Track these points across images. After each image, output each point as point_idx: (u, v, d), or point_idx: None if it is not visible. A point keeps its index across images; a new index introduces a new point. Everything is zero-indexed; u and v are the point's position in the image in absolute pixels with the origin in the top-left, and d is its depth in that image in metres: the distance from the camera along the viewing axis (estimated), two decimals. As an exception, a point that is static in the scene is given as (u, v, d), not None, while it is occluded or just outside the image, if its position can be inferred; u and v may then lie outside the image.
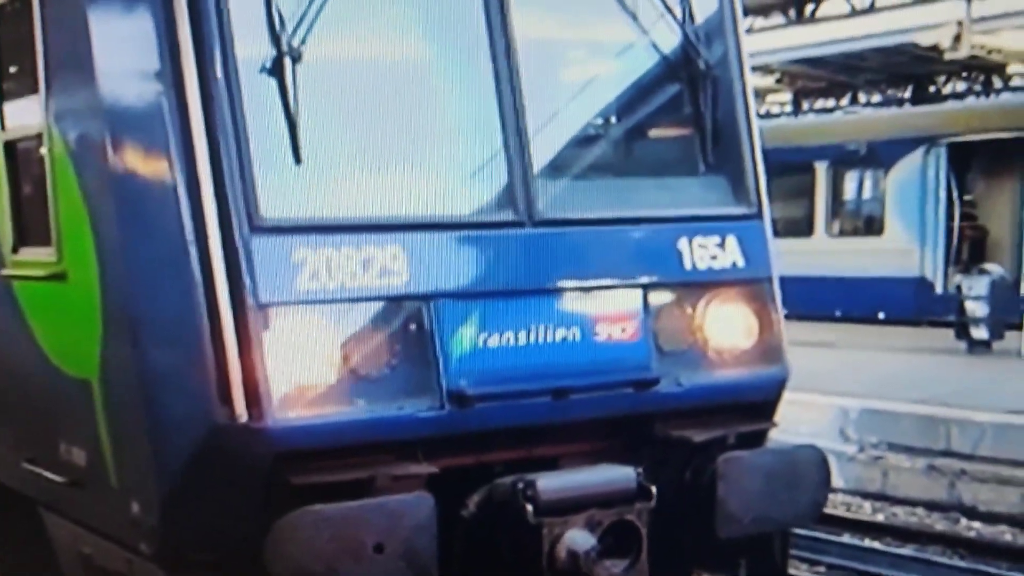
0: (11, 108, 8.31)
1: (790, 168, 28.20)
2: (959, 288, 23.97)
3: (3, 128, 8.35)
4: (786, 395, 8.42)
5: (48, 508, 8.53)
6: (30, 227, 8.11)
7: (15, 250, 8.27)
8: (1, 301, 8.55)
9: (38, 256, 7.92)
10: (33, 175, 8.03)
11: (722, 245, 8.11)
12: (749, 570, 8.38)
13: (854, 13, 34.64)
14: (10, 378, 8.74)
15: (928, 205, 27.61)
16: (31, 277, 8.11)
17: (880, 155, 28.49)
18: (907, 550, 13.76)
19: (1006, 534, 14.88)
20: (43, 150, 7.71)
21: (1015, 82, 40.53)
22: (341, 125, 7.22)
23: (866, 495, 16.71)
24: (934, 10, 30.95)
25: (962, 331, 23.60)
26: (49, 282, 7.82)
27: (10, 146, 8.29)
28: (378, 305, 6.94)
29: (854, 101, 43.81)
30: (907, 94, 42.01)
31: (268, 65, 6.84)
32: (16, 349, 8.45)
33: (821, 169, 29.48)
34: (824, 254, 28.93)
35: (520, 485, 7.01)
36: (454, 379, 7.04)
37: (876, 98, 43.86)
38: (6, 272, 8.43)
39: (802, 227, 29.57)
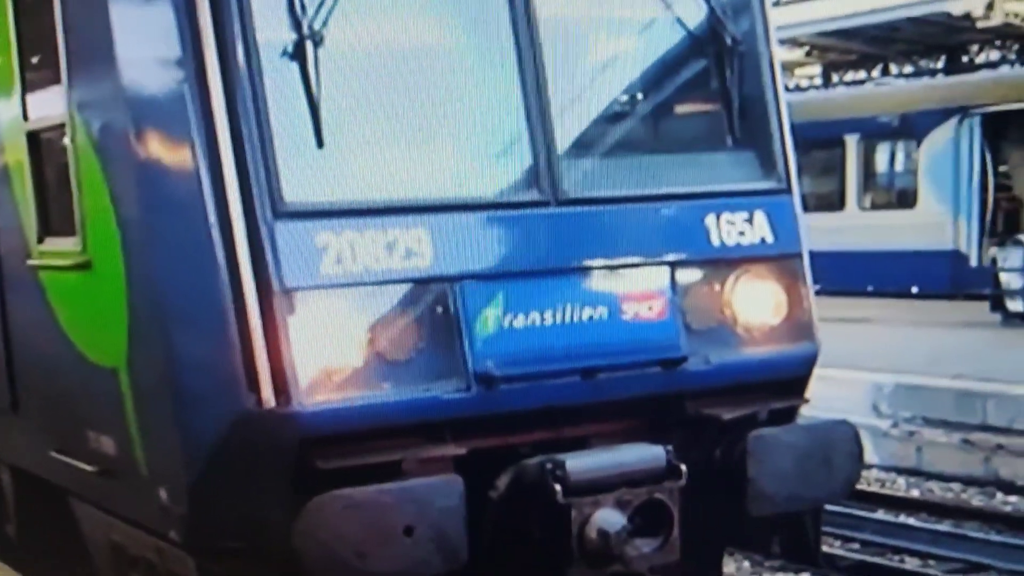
0: (34, 99, 8.32)
1: (821, 142, 28.07)
2: (994, 260, 23.79)
3: (26, 119, 8.36)
4: (818, 371, 8.36)
5: (78, 497, 8.57)
6: (55, 217, 8.14)
7: (40, 240, 8.30)
8: (28, 291, 8.59)
9: (63, 246, 7.95)
10: (56, 165, 8.04)
11: (750, 221, 8.04)
12: (781, 547, 8.35)
13: (884, -17, 34.37)
14: (38, 368, 8.77)
15: (962, 177, 27.36)
16: (57, 267, 8.13)
17: (912, 127, 28.27)
18: (943, 526, 13.65)
19: (1044, 508, 14.78)
20: (66, 140, 7.72)
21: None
22: (363, 108, 7.17)
23: (901, 471, 16.61)
24: (966, -22, 30.72)
25: (997, 304, 23.46)
26: (74, 272, 7.84)
27: (33, 136, 8.30)
28: (403, 288, 6.91)
29: (885, 73, 43.51)
30: (939, 64, 41.71)
31: (289, 49, 6.81)
32: (43, 339, 8.48)
33: (852, 142, 29.28)
34: (856, 228, 28.73)
35: (549, 465, 6.98)
36: (481, 360, 7.01)
37: (908, 69, 43.56)
38: (32, 262, 8.45)
39: (833, 201, 29.42)
